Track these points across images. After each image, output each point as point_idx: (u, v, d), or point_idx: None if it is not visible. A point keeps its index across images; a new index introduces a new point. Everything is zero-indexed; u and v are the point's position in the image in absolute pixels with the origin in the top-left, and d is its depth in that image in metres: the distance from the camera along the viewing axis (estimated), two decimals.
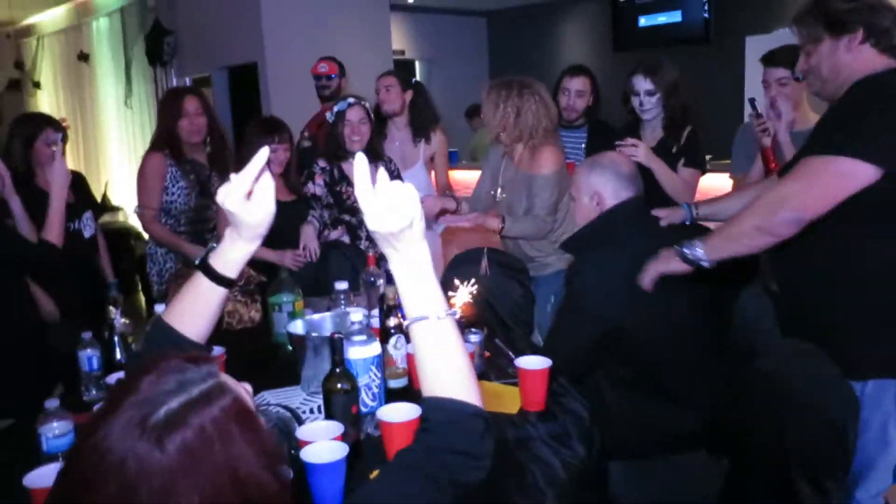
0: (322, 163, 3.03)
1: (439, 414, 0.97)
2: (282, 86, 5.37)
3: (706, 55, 6.44)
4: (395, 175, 3.10)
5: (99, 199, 7.33)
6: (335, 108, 2.99)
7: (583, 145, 3.23)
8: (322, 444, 1.33)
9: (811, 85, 1.81)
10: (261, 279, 2.69)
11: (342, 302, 2.26)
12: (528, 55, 8.00)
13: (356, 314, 1.58)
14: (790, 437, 1.46)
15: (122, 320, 1.84)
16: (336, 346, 1.45)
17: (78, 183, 2.94)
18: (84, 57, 7.27)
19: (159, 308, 1.94)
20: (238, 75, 5.89)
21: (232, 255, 1.19)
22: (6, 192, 2.33)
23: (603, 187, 2.00)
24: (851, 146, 1.55)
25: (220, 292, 1.20)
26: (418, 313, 1.00)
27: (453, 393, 0.98)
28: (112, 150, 7.59)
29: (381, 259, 2.61)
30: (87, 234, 2.83)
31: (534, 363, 1.70)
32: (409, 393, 1.82)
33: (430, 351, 1.01)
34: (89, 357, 1.88)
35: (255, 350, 2.16)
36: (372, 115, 3.01)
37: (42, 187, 2.78)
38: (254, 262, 2.90)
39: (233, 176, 1.16)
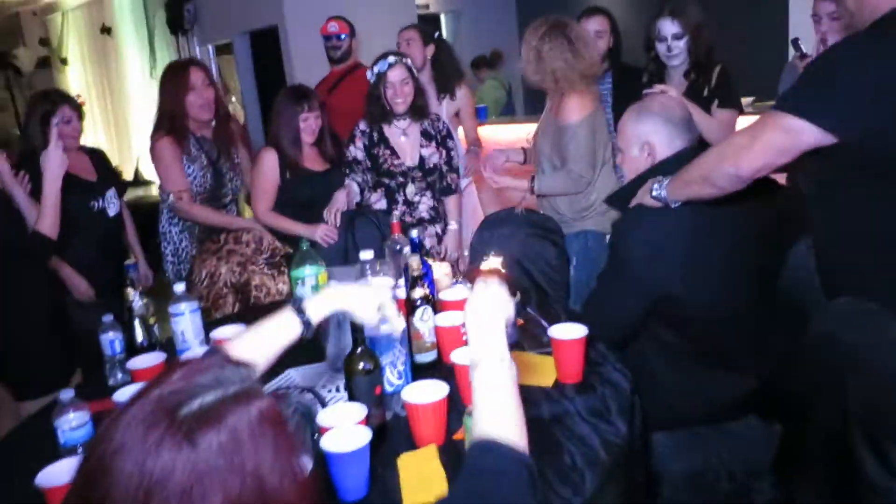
0: (362, 125, 2.91)
1: (489, 459, 0.91)
2: (304, 48, 5.23)
3: None
4: (444, 133, 2.95)
5: (131, 174, 7.41)
6: (375, 69, 2.81)
7: (607, 92, 3.04)
8: (343, 429, 1.26)
9: (842, 18, 1.65)
10: (287, 251, 2.64)
11: (368, 272, 2.18)
12: (558, 2, 7.70)
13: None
14: (851, 401, 1.34)
15: (142, 301, 1.78)
16: (356, 324, 1.36)
17: (99, 160, 2.89)
18: (107, 30, 7.23)
19: (178, 288, 1.88)
20: (260, 40, 5.78)
21: (325, 305, 1.29)
22: (7, 183, 2.28)
23: (655, 136, 1.84)
24: (800, 103, 1.40)
25: (295, 333, 1.26)
26: (480, 357, 1.03)
27: (504, 433, 0.93)
28: (141, 123, 7.59)
29: (406, 226, 2.53)
30: (111, 212, 2.79)
31: (568, 332, 1.60)
32: (438, 367, 1.74)
33: (488, 391, 1.00)
34: (111, 341, 1.84)
35: None
36: (415, 72, 2.86)
37: (71, 171, 2.74)
38: (280, 234, 2.89)
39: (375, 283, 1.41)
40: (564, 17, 2.65)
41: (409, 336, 1.71)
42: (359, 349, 1.37)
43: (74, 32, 8.16)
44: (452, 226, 3.01)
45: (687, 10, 2.60)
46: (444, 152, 2.92)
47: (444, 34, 8.10)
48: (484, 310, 1.10)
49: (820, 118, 1.37)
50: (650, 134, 1.85)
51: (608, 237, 2.59)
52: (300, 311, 1.24)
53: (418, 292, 1.70)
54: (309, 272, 2.01)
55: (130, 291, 1.80)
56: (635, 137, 1.88)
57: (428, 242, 2.90)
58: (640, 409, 1.57)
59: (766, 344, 1.79)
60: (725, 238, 1.71)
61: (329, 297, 1.29)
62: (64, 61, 8.21)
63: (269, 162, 2.77)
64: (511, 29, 8.04)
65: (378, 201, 2.93)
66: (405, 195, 2.89)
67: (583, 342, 1.59)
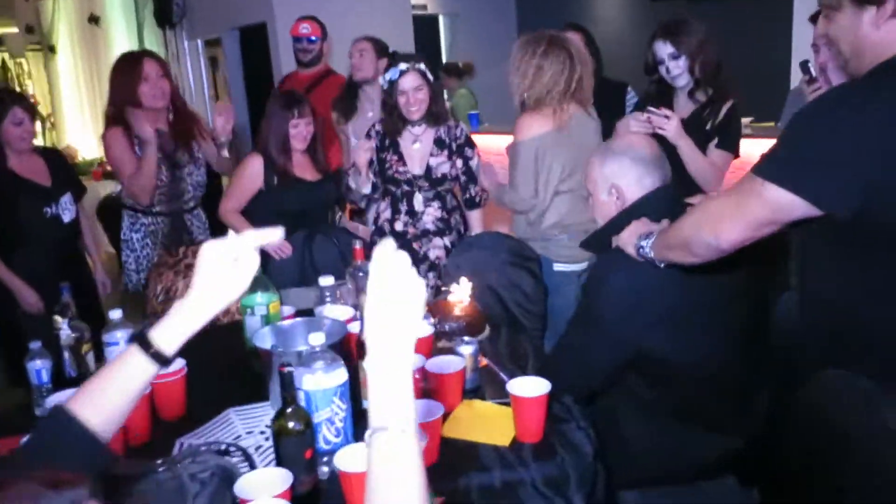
0: (378, 126, 2.80)
1: None
2: (291, 46, 5.09)
3: (751, 8, 5.96)
4: (462, 141, 2.77)
5: None
6: (387, 77, 2.67)
7: None
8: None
9: (835, 58, 1.48)
10: None
11: (328, 299, 2.03)
12: (558, 8, 7.55)
13: (316, 337, 1.33)
14: (846, 485, 1.20)
15: (70, 332, 1.63)
16: (286, 381, 1.21)
17: (54, 162, 2.74)
18: (95, 19, 7.06)
19: (114, 315, 1.74)
20: (249, 36, 5.63)
21: (181, 329, 1.05)
22: None
23: (621, 178, 1.70)
24: (785, 171, 1.21)
25: (150, 373, 1.04)
26: (380, 423, 0.85)
27: None
28: None
29: (368, 250, 2.39)
30: (66, 218, 2.64)
31: (529, 388, 1.45)
32: None
33: (384, 468, 0.83)
34: (38, 370, 1.68)
35: (229, 356, 1.95)
36: (430, 76, 2.68)
37: (14, 170, 2.59)
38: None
39: (232, 233, 1.05)
40: (558, 31, 2.54)
41: (357, 383, 1.57)
42: (288, 408, 1.22)
43: (65, 20, 7.99)
44: None
45: (683, 29, 2.45)
46: (459, 162, 2.76)
47: (442, 36, 7.95)
48: (387, 307, 0.87)
49: (809, 191, 1.20)
50: (616, 176, 1.71)
51: (556, 266, 2.55)
52: (145, 346, 1.01)
53: None
54: (260, 300, 1.86)
55: (58, 319, 1.64)
56: (602, 181, 1.74)
57: (433, 254, 2.77)
58: (604, 476, 1.43)
59: (749, 403, 1.65)
60: (711, 291, 1.57)
61: (181, 316, 1.04)
62: (52, 49, 8.04)
63: (252, 167, 2.70)
64: (511, 33, 7.89)
65: (385, 210, 2.80)
66: (409, 205, 2.75)
67: (544, 400, 1.44)
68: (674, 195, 1.73)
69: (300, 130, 2.70)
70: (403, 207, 2.77)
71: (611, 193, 1.73)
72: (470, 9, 7.86)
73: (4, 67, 10.11)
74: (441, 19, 7.92)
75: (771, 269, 1.82)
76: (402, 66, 2.62)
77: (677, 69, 2.48)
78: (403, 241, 2.74)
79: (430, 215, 2.76)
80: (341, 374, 1.33)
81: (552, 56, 2.45)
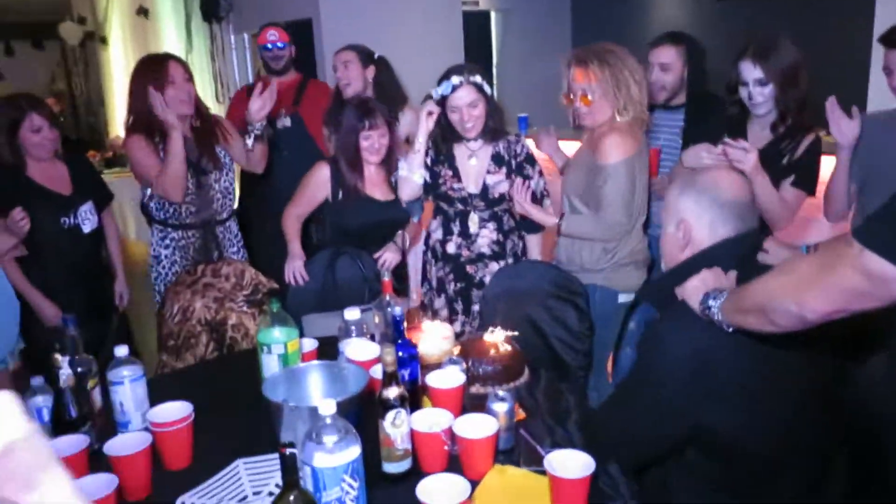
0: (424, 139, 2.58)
1: None
2: (337, 43, 4.93)
3: (824, 5, 5.56)
4: (522, 158, 2.51)
5: None
6: (439, 91, 2.42)
7: (678, 128, 2.67)
8: None
9: None
10: (272, 286, 2.35)
11: (353, 332, 1.88)
12: (615, 6, 7.25)
13: (327, 406, 1.17)
14: None
15: (70, 373, 1.50)
16: (288, 464, 1.05)
17: (78, 169, 2.63)
18: (143, 11, 7.05)
19: (120, 352, 1.61)
20: (294, 32, 5.52)
21: None
22: None
23: (693, 216, 1.48)
24: (890, 241, 1.00)
25: None
26: None
27: None
28: None
29: (399, 281, 2.22)
30: (86, 228, 2.54)
31: (570, 467, 1.27)
32: (413, 476, 1.42)
33: None
34: (38, 409, 1.56)
35: (244, 392, 1.80)
36: (487, 89, 2.43)
37: (35, 179, 2.50)
38: (262, 266, 2.60)
39: None
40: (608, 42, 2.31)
41: (378, 442, 1.41)
42: (291, 495, 1.06)
43: (118, 11, 8.04)
44: None
45: (775, 52, 2.19)
46: (518, 181, 2.43)
47: (493, 33, 7.72)
48: None
49: None
50: (688, 212, 1.49)
51: (621, 298, 2.30)
52: None
53: (393, 392, 1.38)
54: (278, 336, 1.71)
55: (58, 358, 1.52)
56: (674, 212, 1.53)
57: (489, 281, 2.50)
58: None
59: (823, 486, 1.43)
60: (783, 359, 1.35)
61: None
62: (104, 40, 8.09)
63: (318, 175, 2.58)
64: (564, 31, 7.61)
65: (436, 230, 2.60)
66: (463, 226, 2.53)
67: (587, 482, 1.25)
68: (751, 248, 1.50)
69: (372, 143, 2.50)
70: (456, 228, 2.54)
71: (678, 228, 1.52)
72: (524, 5, 7.60)
73: (64, 56, 10.30)
74: (493, 16, 7.68)
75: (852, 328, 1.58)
76: (455, 79, 2.38)
77: (761, 97, 2.23)
78: (457, 265, 2.55)
79: (486, 237, 2.53)
80: (353, 452, 1.17)
81: (643, 70, 2.31)
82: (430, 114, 2.46)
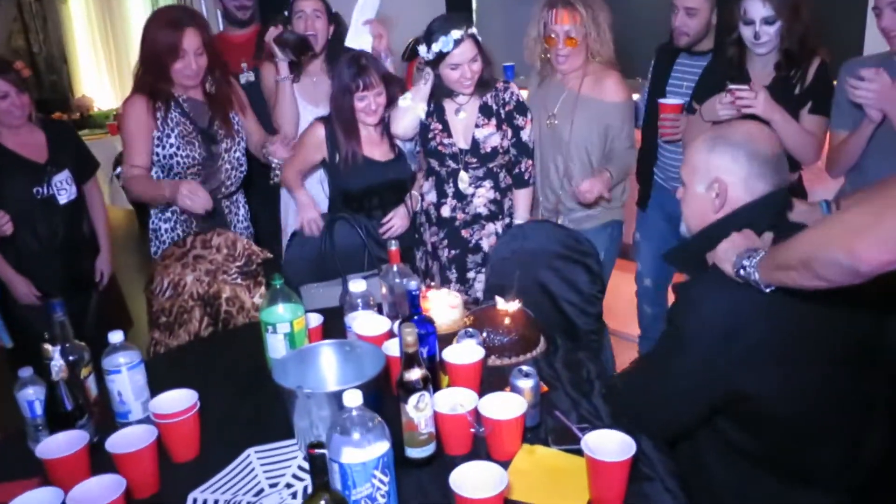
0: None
1: None
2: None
3: None
4: (512, 106, 2.39)
5: None
6: (434, 49, 2.24)
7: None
8: None
9: None
10: (266, 256, 2.24)
11: (359, 304, 1.78)
12: None
13: (353, 397, 1.08)
14: None
15: (61, 363, 1.39)
16: (317, 464, 0.97)
17: (57, 136, 2.45)
18: None
19: (115, 338, 1.50)
20: None
21: None
22: None
23: (729, 173, 1.39)
24: None
25: None
26: None
27: None
28: None
29: (407, 251, 2.10)
30: (62, 199, 2.38)
31: (610, 449, 1.20)
32: (438, 461, 1.35)
33: None
34: (30, 401, 1.46)
35: (249, 372, 1.71)
36: (481, 42, 2.28)
37: (7, 146, 2.33)
38: (256, 236, 2.47)
39: None
40: None
41: (401, 427, 1.33)
42: (321, 500, 0.97)
43: None
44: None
45: None
46: (509, 131, 2.38)
47: (475, 4, 7.40)
48: None
49: None
50: (724, 170, 1.40)
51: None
52: None
53: (415, 374, 1.29)
54: (282, 314, 1.61)
55: (48, 348, 1.40)
56: (704, 171, 1.43)
57: (486, 244, 2.42)
58: None
59: (859, 452, 1.38)
60: (822, 319, 1.28)
61: None
62: None
63: (314, 136, 2.41)
64: None
65: (429, 192, 2.48)
66: (456, 186, 2.40)
67: (628, 465, 1.19)
68: (785, 206, 1.42)
69: (368, 104, 2.31)
70: (450, 189, 2.42)
71: (710, 188, 1.42)
72: None
73: (21, 12, 9.78)
74: None
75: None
76: (456, 34, 2.20)
77: (767, 36, 2.13)
78: (451, 229, 2.42)
79: (482, 197, 2.41)
80: (381, 446, 1.08)
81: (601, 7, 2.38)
82: (426, 82, 2.34)
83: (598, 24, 2.34)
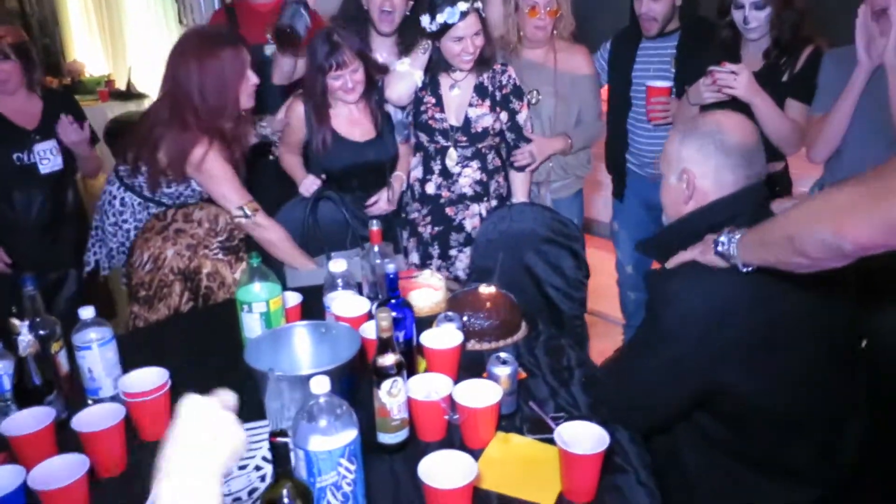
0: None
1: None
2: None
3: None
4: (509, 90, 2.34)
5: (124, 85, 6.86)
6: (438, 20, 2.18)
7: (671, 58, 2.50)
8: None
9: None
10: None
11: (339, 285, 1.75)
12: None
13: (320, 383, 1.05)
14: None
15: (30, 338, 1.36)
16: (278, 452, 0.94)
17: (54, 106, 2.39)
18: None
19: (85, 313, 1.47)
20: None
21: None
22: None
23: (696, 164, 1.37)
24: None
25: None
26: None
27: None
28: (136, 30, 7.01)
29: (387, 231, 2.04)
30: (43, 169, 2.33)
31: (582, 442, 1.18)
32: (411, 447, 1.34)
33: None
34: None
35: (224, 351, 1.68)
36: (484, 16, 2.23)
37: (3, 113, 2.29)
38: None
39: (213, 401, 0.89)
40: None
41: (373, 412, 1.31)
42: (283, 488, 0.95)
43: None
44: None
45: None
46: (504, 115, 2.35)
47: None
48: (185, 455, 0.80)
49: None
50: (692, 161, 1.37)
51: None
52: None
53: (388, 359, 1.27)
54: (258, 293, 1.58)
55: (16, 323, 1.37)
56: (676, 161, 1.41)
57: (469, 224, 2.38)
58: None
59: (836, 446, 1.37)
60: (801, 310, 1.26)
61: None
62: None
63: (293, 115, 2.35)
64: None
65: (416, 167, 2.44)
66: (443, 164, 2.37)
67: (600, 458, 1.17)
68: (761, 199, 1.39)
69: (345, 82, 2.22)
70: (437, 167, 2.37)
71: (681, 179, 1.40)
72: None
73: None
74: None
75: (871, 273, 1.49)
76: (462, 5, 2.14)
77: (756, 21, 2.10)
78: (435, 206, 2.39)
79: (468, 177, 2.37)
80: (349, 434, 1.06)
81: None
82: (425, 51, 2.28)
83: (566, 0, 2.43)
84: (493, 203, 2.39)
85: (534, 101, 2.42)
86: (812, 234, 1.03)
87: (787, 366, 1.29)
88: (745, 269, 1.21)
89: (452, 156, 2.35)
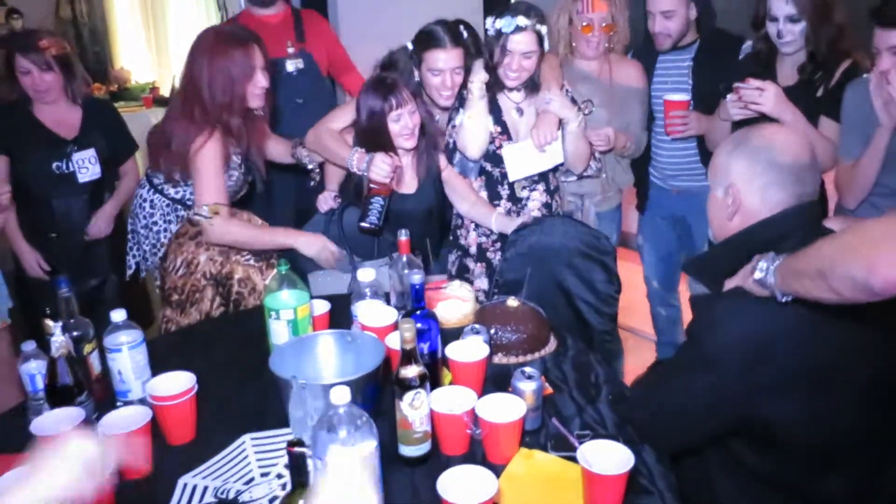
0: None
1: None
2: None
3: None
4: (567, 96, 2.30)
5: (168, 91, 7.01)
6: (496, 26, 2.13)
7: (688, 70, 2.46)
8: None
9: None
10: None
11: (367, 293, 1.75)
12: None
13: (340, 394, 1.05)
14: None
15: (63, 340, 1.39)
16: (297, 463, 0.94)
17: (94, 115, 2.44)
18: None
19: (117, 316, 1.49)
20: None
21: None
22: None
23: (742, 180, 1.33)
24: None
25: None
26: None
27: None
28: (181, 38, 7.16)
29: (416, 245, 2.00)
30: (82, 178, 2.37)
31: (606, 462, 1.15)
32: (433, 461, 1.32)
33: None
34: (31, 375, 1.47)
35: (252, 356, 1.69)
36: (546, 40, 2.18)
37: (40, 119, 2.35)
38: (272, 220, 2.38)
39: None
40: None
41: (395, 422, 1.30)
42: (301, 498, 0.95)
43: None
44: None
45: None
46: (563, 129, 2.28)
47: None
48: None
49: None
50: (739, 176, 1.34)
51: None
52: None
53: (411, 370, 1.26)
54: (286, 300, 1.59)
55: (49, 324, 1.40)
56: (723, 174, 1.37)
57: None
58: None
59: (876, 482, 1.32)
60: (846, 342, 1.21)
61: None
62: None
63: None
64: None
65: (480, 189, 2.32)
66: (511, 188, 2.29)
67: (624, 479, 1.14)
68: (813, 219, 1.34)
69: (405, 124, 2.06)
70: (504, 191, 2.29)
71: (727, 194, 1.37)
72: None
73: None
74: None
75: None
76: (522, 21, 2.10)
77: (791, 35, 2.05)
78: (502, 233, 2.23)
79: (536, 200, 2.31)
80: (369, 443, 1.06)
81: None
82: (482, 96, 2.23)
83: (623, 14, 2.41)
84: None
85: (587, 111, 2.35)
86: (843, 269, 0.99)
87: (831, 401, 1.24)
88: (783, 299, 1.17)
89: (521, 182, 2.29)
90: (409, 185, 2.20)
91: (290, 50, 2.72)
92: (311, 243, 2.11)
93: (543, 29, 2.17)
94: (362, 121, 2.09)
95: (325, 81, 2.93)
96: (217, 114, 2.04)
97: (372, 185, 2.03)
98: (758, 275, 1.19)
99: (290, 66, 2.68)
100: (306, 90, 2.70)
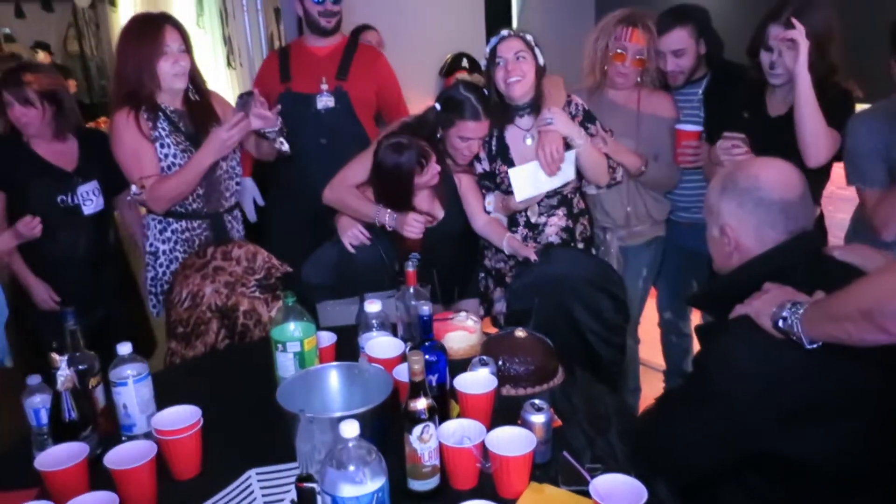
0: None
1: None
2: (356, 7, 4.62)
3: None
4: (581, 118, 2.27)
5: None
6: (487, 48, 2.22)
7: (699, 102, 2.47)
8: None
9: None
10: (286, 270, 2.22)
11: (374, 326, 1.74)
12: None
13: (350, 427, 1.04)
14: None
15: (68, 373, 1.38)
16: (307, 498, 0.93)
17: (91, 146, 2.44)
18: None
19: (123, 349, 1.48)
20: None
21: None
22: None
23: (735, 221, 1.33)
24: None
25: None
26: None
27: None
28: None
29: (423, 274, 2.00)
30: (87, 210, 2.37)
31: (620, 496, 1.13)
32: (442, 495, 1.30)
33: None
34: (36, 409, 1.45)
35: (258, 389, 1.67)
36: (537, 51, 2.19)
37: (38, 153, 2.35)
38: (277, 250, 2.30)
39: None
40: None
41: (403, 455, 1.28)
42: None
43: None
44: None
45: (810, 17, 1.98)
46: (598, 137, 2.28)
47: (514, 7, 7.41)
48: None
49: None
50: (730, 217, 1.34)
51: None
52: None
53: (420, 403, 1.25)
54: (293, 332, 1.58)
55: (56, 358, 1.39)
56: (716, 215, 1.38)
57: None
58: None
59: None
60: (863, 375, 1.20)
61: None
62: (112, 2, 7.87)
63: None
64: (587, 4, 7.30)
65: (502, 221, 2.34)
66: (527, 216, 2.28)
67: None
68: (810, 252, 1.34)
69: (428, 180, 2.18)
70: (521, 218, 2.27)
71: (723, 234, 1.37)
72: None
73: (76, 18, 10.08)
74: None
75: None
76: (504, 32, 2.19)
77: (781, 67, 2.05)
78: (521, 260, 2.20)
79: (554, 226, 2.27)
80: (379, 479, 1.04)
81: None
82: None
83: (656, 50, 2.38)
84: (580, 247, 2.31)
85: (593, 133, 2.33)
86: (891, 307, 0.99)
87: (847, 434, 1.22)
88: (811, 346, 1.16)
89: (535, 209, 2.27)
90: (437, 211, 2.25)
91: (324, 87, 2.64)
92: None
93: (528, 36, 2.19)
94: (383, 179, 2.18)
95: (357, 123, 2.73)
96: (132, 89, 2.19)
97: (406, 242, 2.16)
98: (781, 323, 1.17)
99: (320, 103, 2.62)
100: (332, 130, 2.62)
